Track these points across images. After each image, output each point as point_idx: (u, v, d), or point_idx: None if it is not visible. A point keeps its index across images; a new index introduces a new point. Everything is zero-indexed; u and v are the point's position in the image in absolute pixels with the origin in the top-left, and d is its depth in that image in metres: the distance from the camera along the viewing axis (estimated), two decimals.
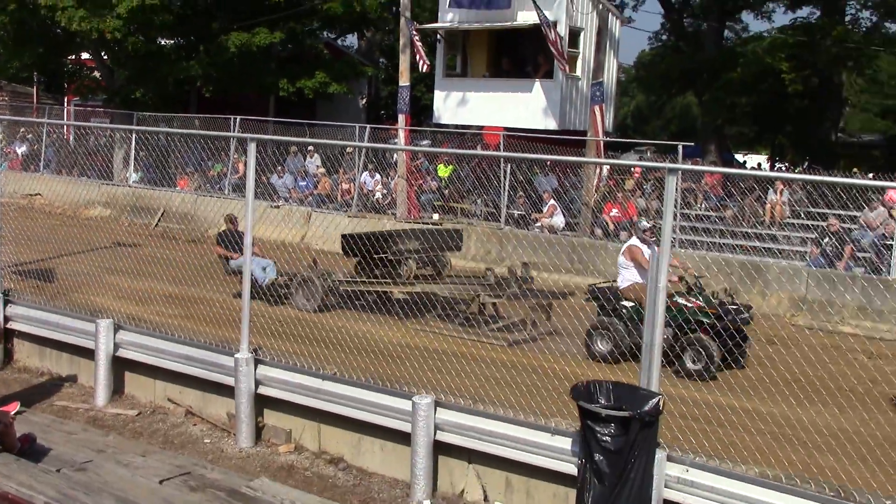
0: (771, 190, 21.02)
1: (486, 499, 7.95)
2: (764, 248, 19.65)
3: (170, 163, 25.19)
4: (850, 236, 18.70)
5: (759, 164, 42.60)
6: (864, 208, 19.29)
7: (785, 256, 19.13)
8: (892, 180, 17.92)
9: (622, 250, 12.55)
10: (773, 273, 17.07)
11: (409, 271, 14.26)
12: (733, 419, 8.54)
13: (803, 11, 38.13)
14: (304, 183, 25.38)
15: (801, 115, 37.52)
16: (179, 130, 25.48)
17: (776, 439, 8.23)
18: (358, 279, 14.57)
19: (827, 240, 18.56)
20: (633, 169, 22.10)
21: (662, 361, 6.80)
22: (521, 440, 7.58)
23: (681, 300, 11.74)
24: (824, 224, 19.14)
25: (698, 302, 11.70)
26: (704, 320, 11.31)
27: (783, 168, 36.56)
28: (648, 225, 12.53)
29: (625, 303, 12.14)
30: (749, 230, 20.20)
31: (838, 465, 7.59)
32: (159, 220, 24.05)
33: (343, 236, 14.87)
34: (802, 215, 20.91)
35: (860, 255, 18.43)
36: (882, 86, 48.44)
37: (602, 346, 11.95)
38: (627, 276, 12.31)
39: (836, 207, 19.28)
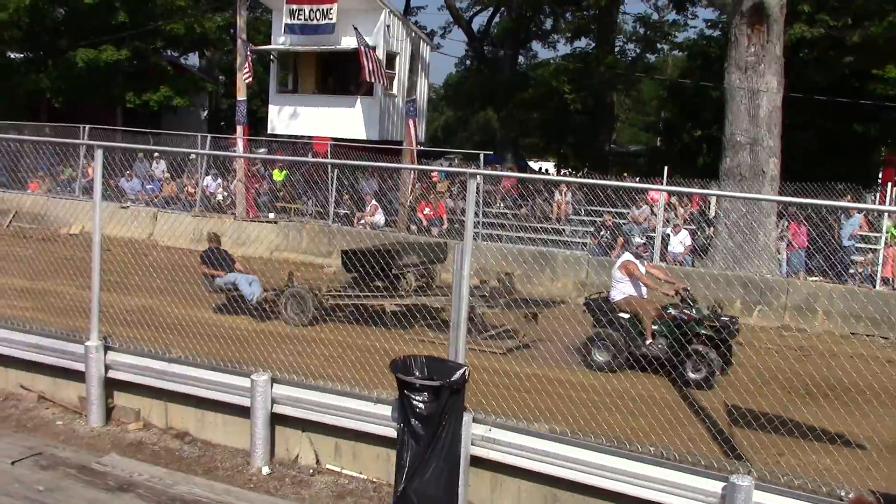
0: (557, 191, 21.70)
1: (318, 462, 7.86)
2: (552, 240, 20.27)
3: (21, 167, 23.62)
4: (622, 230, 19.58)
5: (547, 170, 43.91)
6: (632, 206, 20.22)
7: (569, 247, 19.80)
8: (652, 184, 18.86)
9: (618, 265, 11.60)
10: (560, 261, 17.62)
11: (409, 285, 12.92)
12: (527, 385, 8.75)
13: (581, 42, 39.75)
14: (151, 186, 24.41)
15: (581, 128, 38.85)
16: (29, 137, 23.93)
17: (562, 399, 8.49)
18: (352, 293, 13.06)
19: (603, 233, 19.34)
20: (431, 174, 22.35)
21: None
22: (348, 409, 7.53)
23: (675, 312, 11.08)
24: (600, 220, 19.95)
25: (692, 314, 10.98)
26: (705, 332, 10.74)
27: (567, 173, 37.79)
28: (642, 241, 11.64)
29: (622, 315, 11.31)
30: (539, 225, 20.78)
31: (612, 420, 7.92)
32: (12, 220, 22.52)
33: (343, 252, 13.17)
34: (583, 212, 21.71)
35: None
36: (644, 105, 50.94)
37: (600, 357, 11.11)
38: (623, 290, 11.39)
39: (609, 206, 20.12)
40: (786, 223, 18.50)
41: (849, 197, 20.18)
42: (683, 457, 6.42)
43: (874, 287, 16.44)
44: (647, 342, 11.06)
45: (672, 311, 11.11)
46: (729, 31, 18.69)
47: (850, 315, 14.79)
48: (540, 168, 44.81)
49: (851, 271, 17.90)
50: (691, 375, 10.64)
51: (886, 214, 17.25)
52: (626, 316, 11.28)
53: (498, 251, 16.66)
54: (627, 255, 11.66)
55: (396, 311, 12.63)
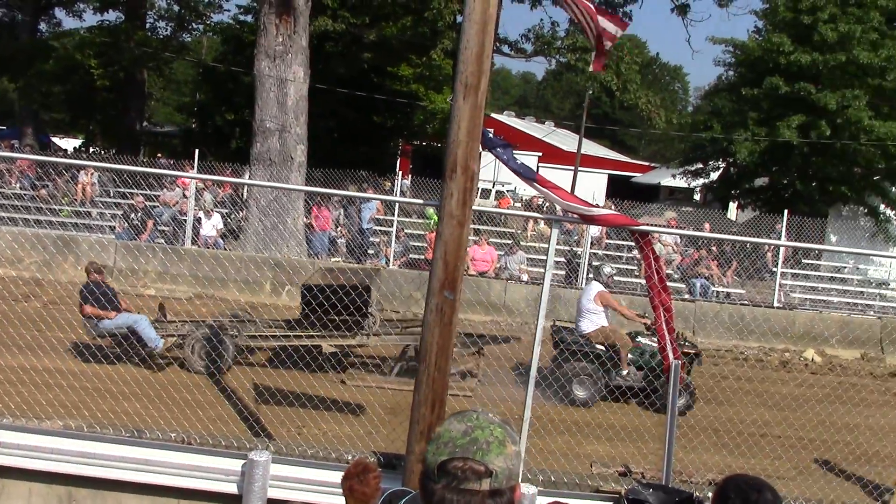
0: (82, 172, 20.48)
1: None
2: (78, 223, 19.10)
3: None
4: (153, 213, 19.09)
5: (76, 147, 41.09)
6: (164, 189, 19.83)
7: (97, 231, 18.86)
8: (184, 167, 18.74)
9: (591, 296, 10.87)
10: (86, 246, 16.65)
11: (375, 322, 10.81)
12: (37, 380, 8.16)
13: (111, 15, 37.78)
14: None
15: (111, 105, 37.03)
16: None
17: (77, 393, 8.09)
18: (291, 333, 10.58)
19: (133, 216, 18.69)
20: None
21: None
22: None
23: (645, 340, 10.89)
24: (132, 202, 19.26)
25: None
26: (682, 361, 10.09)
27: (96, 152, 35.81)
28: (613, 271, 11.49)
29: (599, 347, 10.78)
30: (63, 207, 19.46)
31: (132, 409, 7.75)
32: None
33: (305, 287, 10.55)
34: (112, 194, 20.79)
35: (161, 228, 18.92)
36: (179, 85, 50.06)
37: (582, 392, 10.67)
38: (596, 321, 10.83)
39: (140, 188, 19.55)
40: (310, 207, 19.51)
41: (369, 187, 21.98)
42: (205, 439, 6.52)
43: (388, 265, 18.11)
44: (624, 372, 10.88)
45: (641, 339, 11.08)
46: (259, 20, 19.09)
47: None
48: (80, 146, 41.72)
49: (371, 252, 19.55)
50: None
51: (395, 204, 19.10)
52: (602, 347, 10.89)
53: (11, 235, 15.28)
54: (598, 286, 11.10)
55: (333, 352, 10.65)
